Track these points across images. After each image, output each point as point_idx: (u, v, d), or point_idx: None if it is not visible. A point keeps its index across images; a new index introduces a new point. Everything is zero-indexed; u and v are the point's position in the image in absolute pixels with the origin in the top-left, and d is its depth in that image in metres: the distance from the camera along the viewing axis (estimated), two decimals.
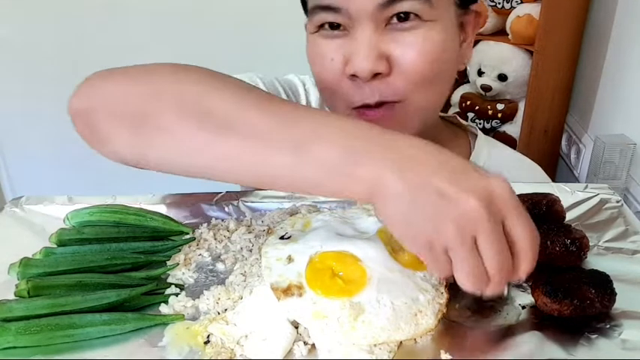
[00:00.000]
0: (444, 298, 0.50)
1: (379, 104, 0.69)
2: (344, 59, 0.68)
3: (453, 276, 0.46)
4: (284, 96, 0.84)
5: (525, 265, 0.47)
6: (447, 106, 1.80)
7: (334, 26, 0.69)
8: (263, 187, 0.56)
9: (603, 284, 0.51)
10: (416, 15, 0.66)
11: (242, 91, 0.53)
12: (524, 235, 0.46)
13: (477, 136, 0.89)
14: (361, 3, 0.65)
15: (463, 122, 0.92)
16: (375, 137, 0.48)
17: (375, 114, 0.70)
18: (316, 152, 0.47)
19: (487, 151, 0.88)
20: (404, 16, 0.66)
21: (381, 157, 0.46)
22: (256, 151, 0.49)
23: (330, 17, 0.68)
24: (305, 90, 0.87)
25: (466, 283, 0.46)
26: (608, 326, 0.51)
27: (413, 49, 0.67)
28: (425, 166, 0.46)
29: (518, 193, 0.63)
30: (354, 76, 0.67)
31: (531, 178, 0.86)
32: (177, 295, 0.55)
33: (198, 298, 0.54)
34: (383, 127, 0.51)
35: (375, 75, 0.67)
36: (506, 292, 0.52)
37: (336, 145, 0.47)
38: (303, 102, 0.86)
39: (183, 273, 0.59)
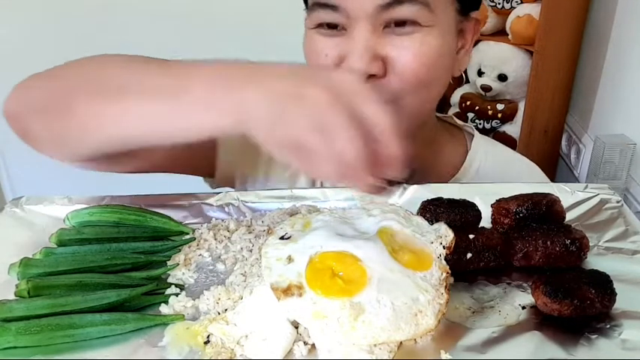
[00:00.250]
0: (444, 298, 0.50)
1: None
2: (339, 57, 0.69)
3: None
4: None
5: (392, 146, 0.50)
6: (447, 106, 1.80)
7: (332, 26, 0.69)
8: (161, 140, 0.59)
9: (603, 284, 0.51)
10: (414, 20, 0.67)
11: (134, 62, 0.61)
12: (379, 116, 0.49)
13: (473, 135, 0.90)
14: (360, 3, 0.65)
15: (460, 122, 0.92)
16: (236, 72, 0.54)
17: None
18: (187, 96, 0.54)
19: (484, 150, 0.88)
20: (402, 21, 0.67)
21: (240, 87, 0.52)
22: (143, 105, 0.56)
23: (328, 16, 0.68)
24: None
25: (319, 171, 0.50)
26: (608, 326, 0.51)
27: (409, 53, 0.68)
28: (279, 78, 0.51)
29: (518, 193, 0.64)
30: None
31: (528, 177, 0.86)
32: (177, 295, 0.55)
33: (199, 298, 0.54)
34: None
35: (369, 76, 0.67)
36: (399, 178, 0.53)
37: (202, 86, 0.53)
38: None
39: (184, 273, 0.59)
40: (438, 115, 0.90)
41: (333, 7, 0.67)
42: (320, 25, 0.70)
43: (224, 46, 1.77)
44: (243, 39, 1.73)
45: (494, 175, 0.85)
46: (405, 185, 0.71)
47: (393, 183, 0.57)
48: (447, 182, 0.83)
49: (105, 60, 0.64)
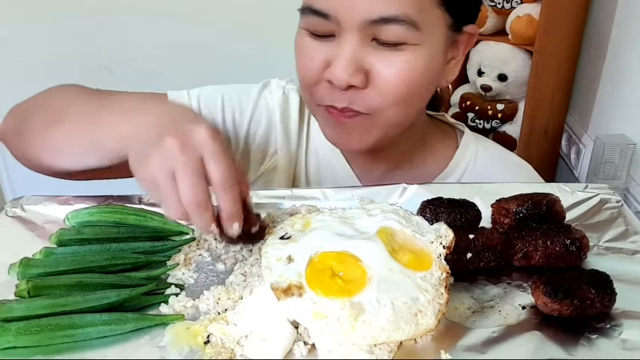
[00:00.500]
0: (444, 298, 0.50)
1: (345, 109, 0.71)
2: (324, 62, 0.70)
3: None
4: (222, 110, 0.84)
5: (223, 202, 0.55)
6: (447, 106, 1.80)
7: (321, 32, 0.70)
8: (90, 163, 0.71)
9: (603, 284, 0.51)
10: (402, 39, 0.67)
11: (77, 94, 0.77)
12: (217, 171, 0.54)
13: (464, 133, 0.90)
14: (351, 16, 0.66)
15: (451, 120, 0.93)
16: (142, 113, 0.65)
17: (340, 116, 0.72)
18: (99, 131, 0.68)
19: (474, 148, 0.88)
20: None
21: (135, 126, 0.62)
22: (68, 133, 0.71)
23: (319, 23, 0.68)
24: (284, 94, 0.87)
25: (166, 209, 0.56)
26: (608, 326, 0.51)
27: (392, 70, 0.68)
28: (156, 121, 0.61)
29: (517, 193, 0.64)
30: (330, 81, 0.69)
31: (518, 176, 0.86)
32: (177, 295, 0.55)
33: (199, 298, 0.54)
34: (344, 129, 0.71)
35: (349, 87, 0.68)
36: (235, 231, 0.57)
37: (115, 117, 0.67)
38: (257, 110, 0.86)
39: (184, 273, 0.59)
40: (430, 113, 0.91)
41: (325, 16, 0.67)
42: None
43: (224, 47, 1.77)
44: (243, 39, 1.73)
45: (484, 174, 0.85)
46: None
47: (238, 239, 0.59)
48: (433, 180, 0.84)
49: (60, 91, 0.78)
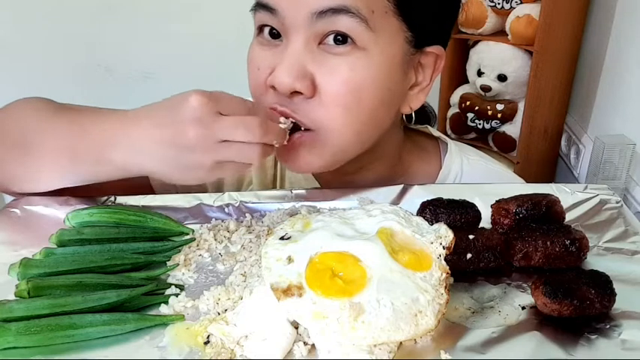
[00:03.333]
0: (444, 298, 0.50)
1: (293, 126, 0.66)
2: (270, 70, 0.66)
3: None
4: None
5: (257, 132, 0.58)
6: (447, 106, 1.80)
7: (273, 34, 0.67)
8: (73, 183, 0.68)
9: (603, 285, 0.51)
10: (352, 40, 0.64)
11: (44, 120, 0.67)
12: (235, 105, 0.59)
13: (447, 146, 0.85)
14: (296, 9, 0.63)
15: (436, 133, 0.88)
16: (119, 136, 0.61)
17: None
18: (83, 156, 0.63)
19: (459, 163, 0.84)
20: (340, 39, 0.64)
21: (118, 143, 0.60)
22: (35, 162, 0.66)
23: (266, 18, 0.66)
24: None
25: (249, 156, 0.59)
26: (607, 326, 0.51)
27: (337, 76, 0.64)
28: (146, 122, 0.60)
29: (517, 193, 0.64)
30: (274, 87, 0.66)
31: None
32: (177, 295, 0.55)
33: (198, 298, 0.54)
34: (293, 151, 0.68)
35: (296, 93, 0.65)
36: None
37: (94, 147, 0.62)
38: None
39: (183, 273, 0.59)
40: (411, 127, 0.85)
41: (271, 10, 0.65)
42: (262, 31, 0.68)
43: (224, 47, 1.77)
44: (244, 39, 1.73)
45: None
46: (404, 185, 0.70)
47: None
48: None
49: (23, 109, 0.71)
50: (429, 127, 0.88)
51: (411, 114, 0.76)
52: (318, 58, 0.65)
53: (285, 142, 0.63)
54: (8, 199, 0.71)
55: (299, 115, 0.66)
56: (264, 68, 0.67)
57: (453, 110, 1.77)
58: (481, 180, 0.82)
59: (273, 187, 0.85)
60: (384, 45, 0.65)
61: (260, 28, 0.69)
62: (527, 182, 0.80)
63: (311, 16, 0.63)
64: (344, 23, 0.63)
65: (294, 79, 0.64)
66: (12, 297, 0.52)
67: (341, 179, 0.79)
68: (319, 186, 0.82)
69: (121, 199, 0.70)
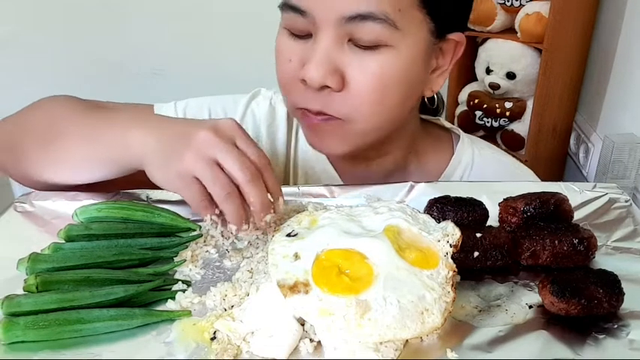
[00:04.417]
0: (450, 296, 0.50)
1: (319, 113, 0.70)
2: (300, 63, 0.68)
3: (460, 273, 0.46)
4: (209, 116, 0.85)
5: (268, 175, 0.59)
6: (455, 104, 1.79)
7: (301, 31, 0.68)
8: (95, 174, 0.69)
9: (611, 284, 0.51)
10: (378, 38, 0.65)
11: (67, 109, 0.72)
12: (255, 151, 0.59)
13: (460, 137, 0.87)
14: (327, 12, 0.64)
15: (448, 125, 0.90)
16: (143, 122, 0.65)
17: (314, 119, 0.71)
18: (103, 144, 0.66)
19: (470, 153, 0.86)
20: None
21: (143, 134, 0.62)
22: (71, 147, 0.68)
23: (297, 20, 0.67)
24: (270, 105, 0.86)
25: (221, 202, 0.57)
26: (615, 326, 0.50)
27: (367, 73, 0.66)
28: (167, 125, 0.63)
29: (525, 191, 0.63)
30: (304, 81, 0.67)
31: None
32: (184, 291, 0.55)
33: (205, 294, 0.54)
34: (319, 133, 0.72)
35: (326, 87, 0.67)
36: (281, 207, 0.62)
37: (117, 130, 0.65)
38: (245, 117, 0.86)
39: (190, 269, 0.59)
40: (424, 117, 0.88)
41: (301, 12, 0.66)
42: (289, 26, 0.70)
43: (231, 44, 1.78)
44: (251, 37, 1.73)
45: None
46: (411, 183, 0.71)
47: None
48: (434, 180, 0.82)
49: (49, 107, 0.74)
50: (441, 119, 0.91)
51: (433, 97, 0.81)
52: (348, 54, 0.67)
53: (263, 219, 0.60)
54: (17, 193, 0.71)
55: (328, 109, 0.69)
56: (295, 61, 0.69)
57: (461, 108, 1.76)
58: (492, 171, 0.85)
59: (286, 176, 0.87)
60: (410, 40, 0.67)
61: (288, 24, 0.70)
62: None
63: (340, 19, 0.64)
64: (371, 28, 0.64)
65: (324, 74, 0.66)
66: (20, 291, 0.53)
67: (357, 164, 0.82)
68: (334, 172, 0.84)
69: (129, 195, 0.70)
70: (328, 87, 0.67)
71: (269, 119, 0.85)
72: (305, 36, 0.69)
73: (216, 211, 0.59)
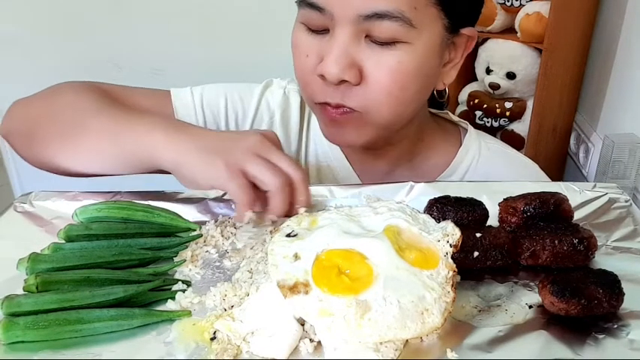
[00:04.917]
0: (450, 296, 0.50)
1: (339, 106, 0.71)
2: (318, 58, 0.70)
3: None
4: (225, 110, 0.86)
5: (302, 187, 0.63)
6: (455, 104, 1.79)
7: (319, 26, 0.70)
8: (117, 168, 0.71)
9: (611, 284, 0.51)
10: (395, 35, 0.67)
11: (90, 97, 0.74)
12: (290, 165, 0.63)
13: (467, 131, 0.90)
14: (344, 10, 0.66)
15: (455, 118, 0.92)
16: (169, 126, 0.67)
17: (333, 113, 0.72)
18: (124, 142, 0.68)
19: (477, 146, 0.88)
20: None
21: (169, 137, 0.65)
22: (96, 142, 0.69)
23: (314, 18, 0.69)
24: (284, 94, 0.88)
25: (274, 190, 0.61)
26: (615, 326, 0.50)
27: (384, 68, 0.68)
28: (201, 132, 0.69)
29: (525, 191, 0.63)
30: (322, 76, 0.69)
31: (522, 175, 0.86)
32: (184, 291, 0.55)
33: (205, 294, 0.55)
34: (338, 126, 0.74)
35: (344, 81, 0.68)
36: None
37: (141, 127, 0.67)
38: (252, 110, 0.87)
39: (190, 269, 0.59)
40: (433, 111, 0.90)
41: (320, 9, 0.68)
42: (306, 21, 0.71)
43: (232, 43, 1.77)
44: (252, 35, 1.73)
45: (487, 173, 0.85)
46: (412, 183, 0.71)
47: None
48: (434, 180, 0.83)
49: (74, 97, 0.75)
50: (449, 113, 0.93)
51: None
52: (365, 50, 0.68)
53: (271, 219, 0.64)
54: (17, 193, 0.71)
55: (347, 101, 0.70)
56: (312, 56, 0.70)
57: (462, 108, 1.76)
58: (499, 163, 0.87)
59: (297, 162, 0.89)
60: (425, 36, 0.69)
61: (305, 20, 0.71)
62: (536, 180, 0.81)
63: (357, 17, 0.66)
64: (388, 26, 0.66)
65: (342, 69, 0.67)
66: (20, 291, 0.53)
67: (366, 152, 0.84)
68: (345, 160, 0.87)
69: (129, 196, 0.70)
70: (346, 81, 0.68)
71: (283, 108, 0.87)
72: (322, 31, 0.70)
73: (255, 208, 0.61)
